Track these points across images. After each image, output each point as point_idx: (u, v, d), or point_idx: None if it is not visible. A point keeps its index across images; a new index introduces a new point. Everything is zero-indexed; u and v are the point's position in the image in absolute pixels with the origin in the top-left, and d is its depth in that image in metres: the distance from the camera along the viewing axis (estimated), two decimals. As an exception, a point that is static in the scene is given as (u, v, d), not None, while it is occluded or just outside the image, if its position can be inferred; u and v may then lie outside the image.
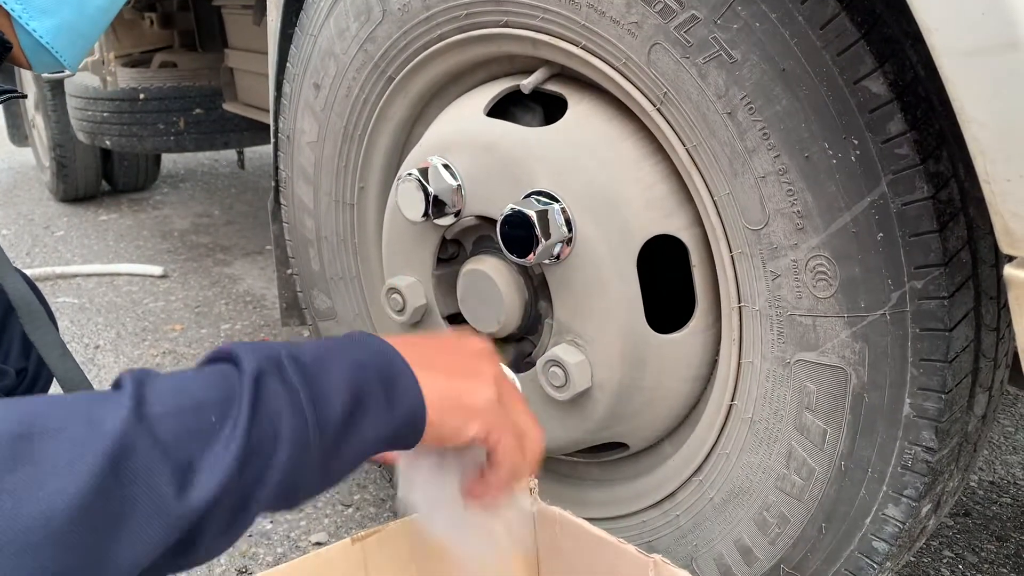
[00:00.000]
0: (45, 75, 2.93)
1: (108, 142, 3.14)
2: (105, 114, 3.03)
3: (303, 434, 0.57)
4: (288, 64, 1.28)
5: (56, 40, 0.87)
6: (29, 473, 0.45)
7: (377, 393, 0.62)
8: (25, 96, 1.15)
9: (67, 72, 2.80)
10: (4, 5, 0.84)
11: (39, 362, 1.10)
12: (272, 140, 1.38)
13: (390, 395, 0.62)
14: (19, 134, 4.72)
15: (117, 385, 0.54)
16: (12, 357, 1.09)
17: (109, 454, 0.48)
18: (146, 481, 0.49)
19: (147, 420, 0.50)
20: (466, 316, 1.10)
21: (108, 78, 2.93)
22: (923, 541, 0.95)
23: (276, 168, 1.39)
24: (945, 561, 1.42)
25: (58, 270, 3.06)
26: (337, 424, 0.59)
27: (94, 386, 0.96)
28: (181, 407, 0.53)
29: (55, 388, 1.20)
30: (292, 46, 1.26)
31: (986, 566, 1.41)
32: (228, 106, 2.81)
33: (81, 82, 3.11)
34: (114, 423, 0.49)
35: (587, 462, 1.15)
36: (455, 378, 0.67)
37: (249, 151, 4.25)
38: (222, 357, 0.59)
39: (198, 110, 2.99)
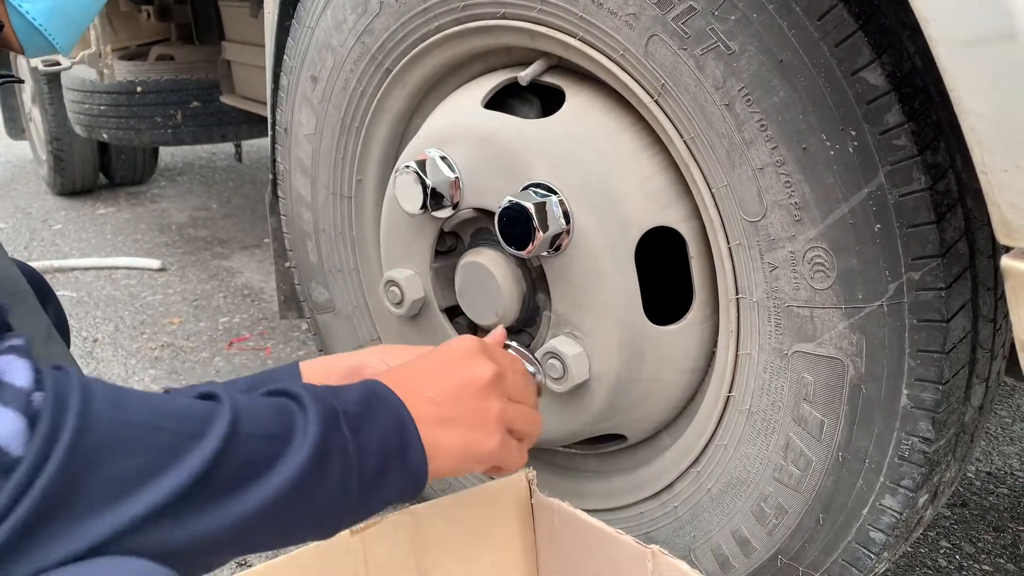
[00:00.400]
0: (41, 68, 2.91)
1: (105, 135, 3.13)
2: (102, 107, 3.03)
3: (348, 474, 0.66)
4: (285, 56, 1.28)
5: (49, 22, 0.87)
6: (150, 460, 0.54)
7: (397, 455, 0.70)
8: (22, 81, 1.15)
9: (64, 63, 2.79)
10: None
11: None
12: (270, 133, 1.38)
13: (405, 461, 0.71)
14: (16, 127, 4.70)
15: (211, 396, 0.62)
16: None
17: (215, 454, 0.57)
18: (228, 485, 0.58)
19: (239, 436, 0.59)
20: (464, 309, 1.10)
21: (105, 71, 2.92)
22: (920, 531, 0.95)
23: (274, 161, 1.39)
24: (942, 551, 1.43)
25: (56, 264, 3.06)
26: (371, 476, 0.68)
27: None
28: (266, 433, 0.62)
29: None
30: (289, 38, 1.26)
31: (983, 556, 1.41)
32: (226, 99, 2.80)
33: (78, 75, 3.11)
34: (220, 433, 0.58)
35: (585, 454, 1.15)
36: (462, 432, 0.76)
37: (247, 144, 4.25)
38: (288, 395, 0.68)
39: (195, 103, 2.99)
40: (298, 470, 0.61)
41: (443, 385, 0.77)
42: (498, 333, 0.90)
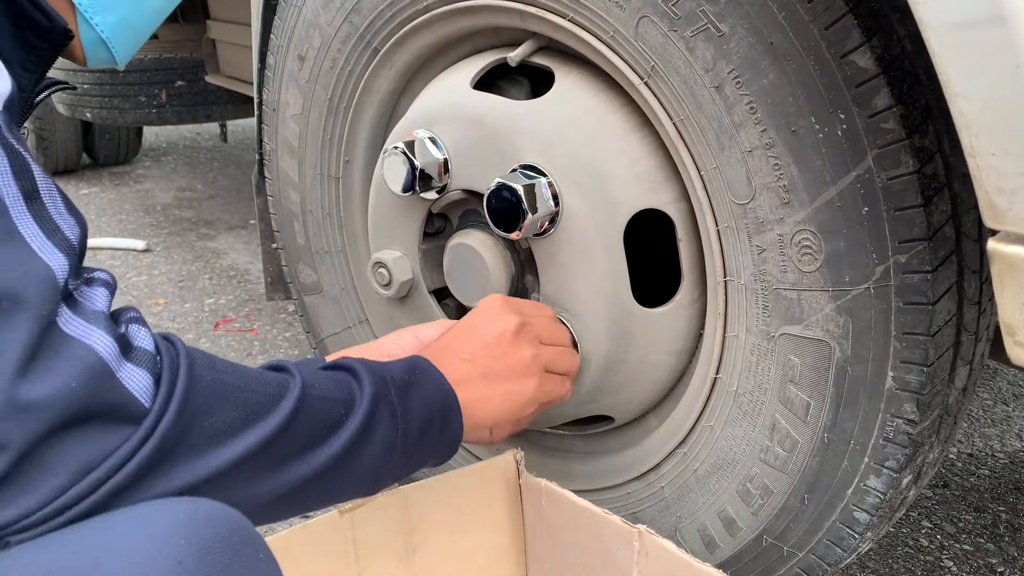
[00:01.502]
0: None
1: (89, 114, 3.10)
2: (86, 86, 2.99)
3: (394, 436, 0.74)
4: (272, 36, 1.27)
5: (115, 35, 0.88)
6: (247, 414, 0.63)
7: (439, 424, 0.79)
8: (75, 88, 1.16)
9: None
10: None
11: None
12: (256, 113, 1.37)
13: (445, 426, 0.80)
14: (-3, 106, 4.64)
15: (282, 368, 0.70)
16: None
17: (293, 409, 0.66)
18: (301, 442, 0.67)
19: (309, 398, 0.68)
20: (452, 290, 1.10)
21: (88, 49, 2.89)
22: (903, 512, 0.97)
23: (260, 141, 1.38)
24: (924, 531, 1.45)
25: (39, 244, 3.03)
26: (414, 440, 0.76)
27: None
28: (331, 397, 0.71)
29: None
30: (276, 17, 1.25)
31: (964, 536, 1.43)
32: (211, 78, 2.78)
33: (60, 53, 3.06)
34: (295, 394, 0.67)
35: (572, 435, 1.16)
36: (502, 384, 0.86)
37: (232, 124, 4.22)
38: (342, 367, 0.76)
39: (180, 82, 2.96)
40: (356, 430, 0.70)
41: (474, 344, 0.86)
42: None
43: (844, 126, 0.76)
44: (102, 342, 0.55)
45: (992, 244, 0.61)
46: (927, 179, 0.76)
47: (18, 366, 0.51)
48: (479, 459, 1.12)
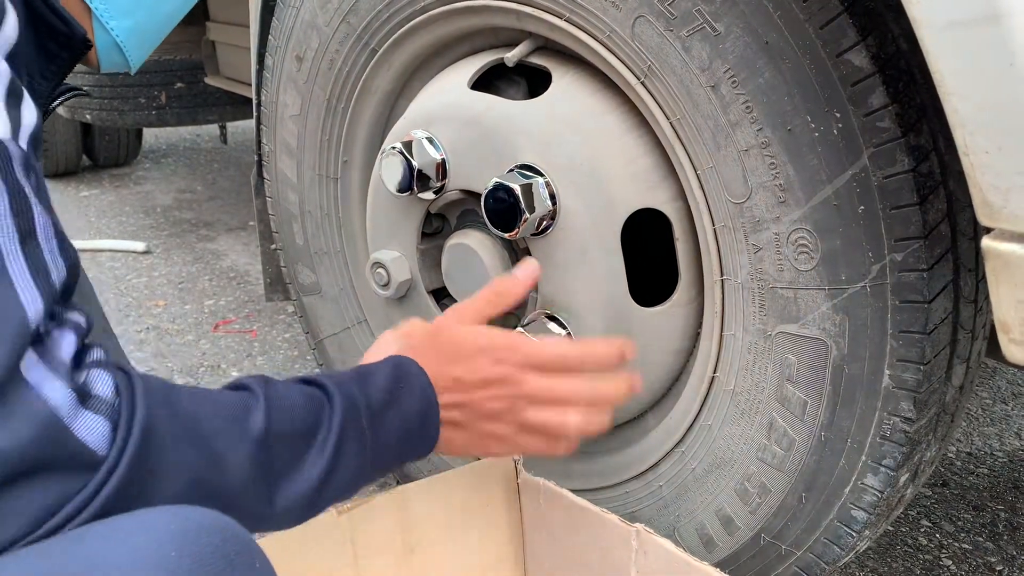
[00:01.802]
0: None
1: (89, 116, 3.10)
2: (85, 88, 2.99)
3: (363, 463, 0.72)
4: (270, 37, 1.27)
5: (129, 40, 0.89)
6: (197, 455, 0.61)
7: (416, 438, 0.78)
8: (88, 94, 1.17)
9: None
10: (88, 2, 0.84)
11: None
12: (255, 114, 1.37)
13: (421, 441, 0.78)
14: (-3, 108, 4.65)
15: (245, 388, 0.68)
16: None
17: (253, 455, 0.64)
18: (251, 482, 0.64)
19: (270, 439, 0.65)
20: (451, 290, 1.10)
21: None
22: (901, 510, 0.97)
23: (259, 142, 1.38)
24: (923, 530, 1.45)
25: (39, 246, 3.03)
26: (387, 463, 0.76)
27: None
28: (295, 432, 0.68)
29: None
30: (274, 18, 1.25)
31: (963, 535, 1.43)
32: (210, 80, 2.78)
33: (60, 55, 3.07)
34: (256, 430, 0.65)
35: (571, 435, 1.16)
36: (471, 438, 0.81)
37: (231, 126, 4.21)
38: (318, 386, 0.73)
39: (180, 84, 2.96)
40: (321, 472, 0.68)
41: (462, 394, 0.80)
42: (531, 267, 0.91)
43: (840, 125, 0.76)
44: (58, 393, 0.54)
45: (987, 242, 0.61)
46: (922, 177, 0.76)
47: None
48: (478, 458, 1.12)
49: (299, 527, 0.86)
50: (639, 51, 0.86)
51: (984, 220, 0.61)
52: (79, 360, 0.58)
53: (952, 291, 0.81)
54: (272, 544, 0.84)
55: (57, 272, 0.58)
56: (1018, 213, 0.58)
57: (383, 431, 0.74)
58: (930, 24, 0.58)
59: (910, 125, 0.75)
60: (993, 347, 0.94)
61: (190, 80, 2.96)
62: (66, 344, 0.57)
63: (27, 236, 0.56)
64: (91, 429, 0.55)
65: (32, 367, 0.54)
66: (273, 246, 1.46)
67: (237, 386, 0.69)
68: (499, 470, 0.98)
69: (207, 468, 0.61)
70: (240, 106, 3.11)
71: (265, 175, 1.39)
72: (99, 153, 4.22)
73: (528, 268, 0.89)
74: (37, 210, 0.58)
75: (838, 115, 0.76)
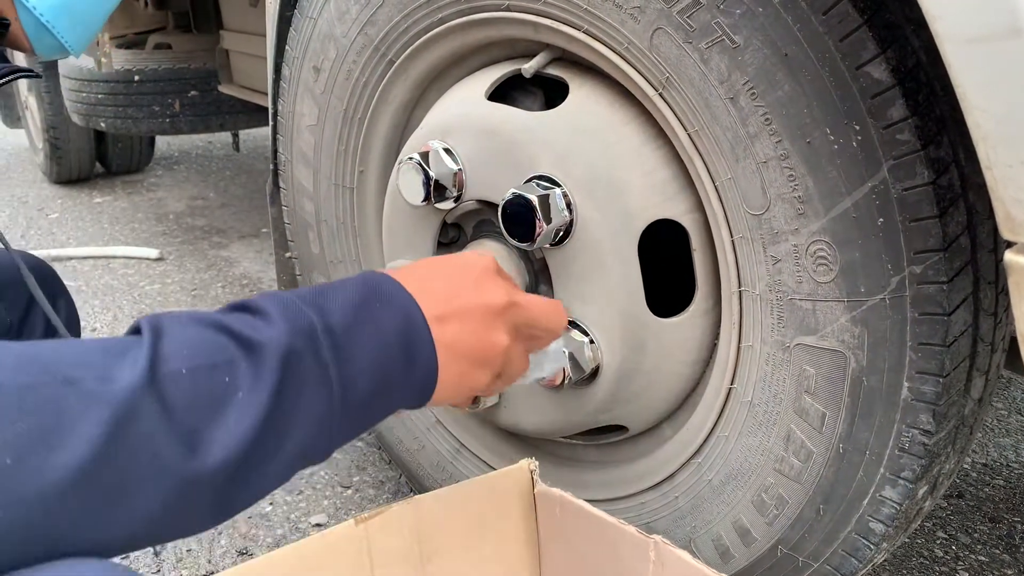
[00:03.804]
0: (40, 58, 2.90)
1: (103, 124, 3.12)
2: (100, 96, 3.02)
3: (326, 411, 0.56)
4: (287, 47, 1.28)
5: (57, 20, 0.86)
6: (33, 428, 0.43)
7: (400, 371, 0.62)
8: (40, 76, 1.14)
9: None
10: None
11: None
12: (271, 123, 1.38)
13: (410, 371, 0.63)
14: (12, 115, 4.69)
15: (136, 330, 0.52)
16: None
17: (116, 419, 0.46)
18: (150, 450, 0.47)
19: (159, 381, 0.48)
20: (467, 300, 1.10)
21: (103, 60, 2.92)
22: (919, 522, 0.96)
23: (275, 151, 1.39)
24: (939, 542, 1.44)
25: (53, 253, 3.05)
26: (360, 403, 0.59)
27: None
28: (197, 366, 0.50)
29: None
30: (291, 29, 1.26)
31: (979, 547, 1.43)
32: (224, 88, 2.80)
33: (76, 64, 3.10)
34: (127, 382, 0.47)
35: (586, 444, 1.16)
36: (470, 357, 0.68)
37: (243, 133, 4.24)
38: (251, 310, 0.57)
39: (193, 92, 2.98)
40: (252, 420, 0.51)
41: (449, 304, 0.68)
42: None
43: (859, 137, 0.76)
44: None
45: (1009, 256, 0.61)
46: (942, 190, 0.76)
47: None
48: (493, 468, 1.12)
49: (317, 536, 0.87)
50: (657, 63, 0.86)
51: (1007, 234, 0.61)
52: None
53: (972, 303, 0.81)
54: (290, 554, 0.85)
55: None
56: (1041, 227, 0.58)
57: (354, 360, 0.58)
58: (953, 39, 0.58)
59: (930, 138, 0.75)
60: (1012, 359, 0.94)
61: (204, 88, 2.98)
62: None
63: None
64: None
65: None
66: (288, 254, 1.46)
67: (132, 328, 0.54)
68: (515, 481, 0.98)
69: (47, 450, 0.44)
70: (253, 114, 3.13)
71: (281, 184, 1.40)
72: (112, 160, 4.26)
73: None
74: None
75: (857, 127, 0.76)
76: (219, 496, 0.51)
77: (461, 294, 0.69)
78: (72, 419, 0.44)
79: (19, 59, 3.38)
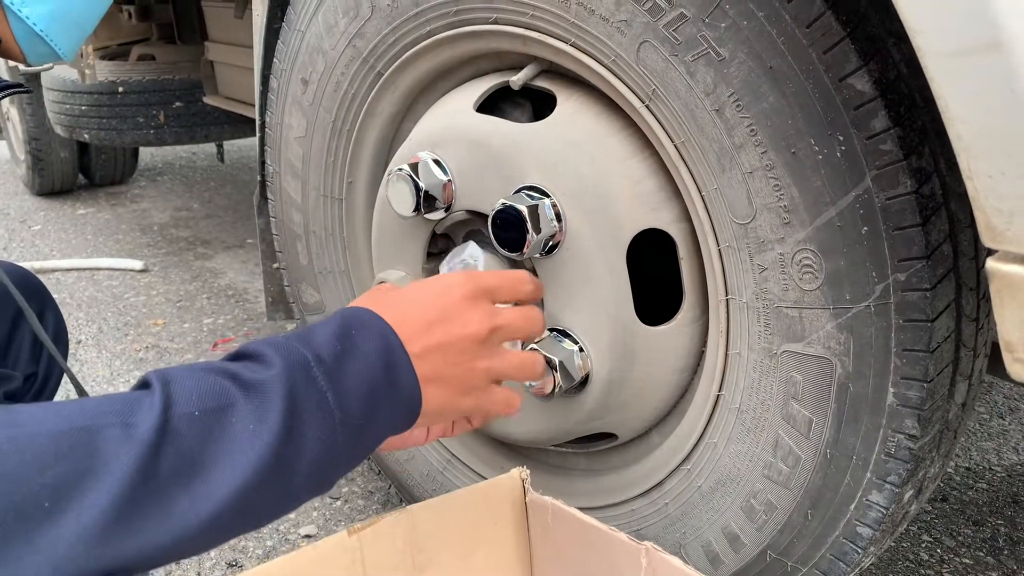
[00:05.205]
0: (21, 68, 2.89)
1: (87, 136, 3.11)
2: (83, 107, 3.01)
3: (329, 434, 0.60)
4: (275, 59, 1.28)
5: (51, 27, 0.85)
6: (69, 471, 0.48)
7: (385, 393, 0.65)
8: (31, 91, 1.13)
9: (47, 64, 2.77)
10: None
11: (48, 366, 1.10)
12: (258, 135, 1.38)
13: (394, 392, 0.66)
14: (-7, 127, 4.65)
15: (144, 384, 0.56)
16: (21, 362, 1.08)
17: (142, 459, 0.50)
18: (175, 484, 0.52)
19: (175, 421, 0.53)
20: (456, 310, 1.11)
21: (87, 71, 2.91)
22: (905, 526, 0.98)
23: (262, 163, 1.39)
24: (924, 545, 1.46)
25: (36, 265, 3.04)
26: (357, 426, 0.63)
27: (77, 380, 0.96)
28: (207, 409, 0.55)
29: (61, 390, 1.19)
30: (279, 41, 1.27)
31: (963, 550, 1.44)
32: (209, 99, 2.79)
33: (59, 75, 3.08)
34: (149, 424, 0.52)
35: (575, 453, 1.17)
36: (453, 386, 0.71)
37: (227, 144, 4.23)
38: (247, 355, 0.62)
39: (178, 103, 2.98)
40: (265, 448, 0.55)
41: (429, 337, 0.70)
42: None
43: (843, 148, 0.77)
44: None
45: (991, 263, 0.62)
46: (925, 199, 0.78)
47: None
48: (483, 478, 1.13)
49: (310, 547, 0.87)
50: (644, 75, 0.87)
51: (988, 242, 0.62)
52: None
53: (955, 310, 0.83)
54: (283, 565, 0.85)
55: None
56: (1021, 235, 0.60)
57: (346, 383, 0.62)
58: (934, 52, 0.59)
59: (912, 148, 0.77)
60: (994, 364, 0.96)
61: (188, 99, 2.98)
62: None
63: None
64: None
65: None
66: (276, 265, 1.46)
67: (141, 383, 0.58)
68: (507, 489, 0.98)
69: (86, 492, 0.48)
70: (238, 125, 3.13)
71: (269, 195, 1.40)
72: (95, 171, 4.24)
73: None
74: None
75: (841, 138, 0.77)
76: (236, 524, 0.56)
77: (440, 327, 0.71)
78: (105, 460, 0.49)
79: None
